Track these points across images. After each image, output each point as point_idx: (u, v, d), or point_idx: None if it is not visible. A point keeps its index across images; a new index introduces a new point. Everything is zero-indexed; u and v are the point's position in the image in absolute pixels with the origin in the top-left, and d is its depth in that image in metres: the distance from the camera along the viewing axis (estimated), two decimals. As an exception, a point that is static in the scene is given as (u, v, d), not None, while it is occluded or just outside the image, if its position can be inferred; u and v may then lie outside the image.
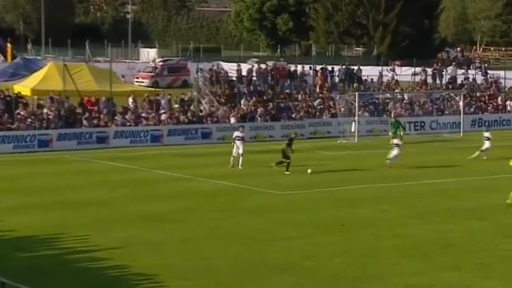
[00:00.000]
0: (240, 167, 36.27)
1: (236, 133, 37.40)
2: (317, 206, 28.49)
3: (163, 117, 47.52)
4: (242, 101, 51.82)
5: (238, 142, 36.85)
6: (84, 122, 45.27)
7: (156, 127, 46.56)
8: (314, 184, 32.70)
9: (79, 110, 46.59)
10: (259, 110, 50.40)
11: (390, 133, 47.94)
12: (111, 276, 19.83)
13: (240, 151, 36.56)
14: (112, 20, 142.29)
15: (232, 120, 49.20)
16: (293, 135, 38.85)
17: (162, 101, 49.71)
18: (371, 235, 24.12)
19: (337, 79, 59.08)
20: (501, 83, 64.08)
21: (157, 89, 55.60)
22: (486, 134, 40.92)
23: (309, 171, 35.22)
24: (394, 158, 37.24)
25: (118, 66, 71.34)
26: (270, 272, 20.25)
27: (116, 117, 46.57)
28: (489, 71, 67.18)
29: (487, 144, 40.22)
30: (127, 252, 21.79)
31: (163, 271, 20.03)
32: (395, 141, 38.11)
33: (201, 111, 50.36)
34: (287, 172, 35.05)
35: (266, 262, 21.00)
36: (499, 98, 60.75)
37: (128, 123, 46.41)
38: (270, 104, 51.90)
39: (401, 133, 47.93)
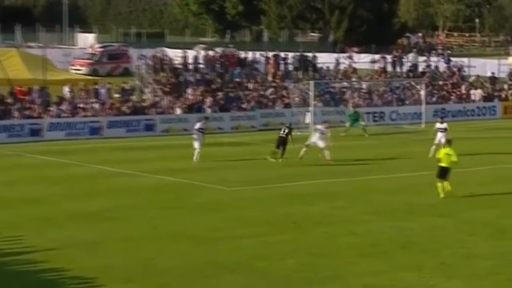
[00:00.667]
0: (195, 160, 36.48)
1: (198, 125, 37.44)
2: (268, 203, 28.67)
3: (97, 105, 47.35)
4: (189, 91, 51.85)
5: (198, 135, 36.83)
6: (15, 113, 44.96)
7: (95, 119, 46.44)
8: (265, 180, 32.90)
9: (9, 100, 46.26)
10: (207, 100, 50.48)
11: (347, 124, 48.57)
12: (46, 279, 19.78)
13: (199, 144, 36.67)
14: (45, 2, 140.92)
15: (178, 111, 49.25)
16: (288, 124, 38.39)
17: (101, 91, 49.57)
18: (326, 233, 24.33)
19: (290, 67, 59.36)
20: (465, 71, 64.85)
21: (96, 78, 55.38)
22: (441, 126, 39.67)
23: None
24: (314, 145, 37.22)
25: (53, 52, 70.76)
26: (218, 272, 20.37)
27: (50, 108, 46.34)
28: (452, 58, 67.83)
29: (440, 137, 38.76)
30: (63, 254, 21.74)
31: (102, 273, 20.03)
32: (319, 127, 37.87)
33: (144, 101, 50.31)
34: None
35: (214, 262, 21.12)
36: (463, 87, 61.50)
37: (64, 114, 46.20)
38: (219, 93, 52.00)
39: (362, 123, 48.61)
